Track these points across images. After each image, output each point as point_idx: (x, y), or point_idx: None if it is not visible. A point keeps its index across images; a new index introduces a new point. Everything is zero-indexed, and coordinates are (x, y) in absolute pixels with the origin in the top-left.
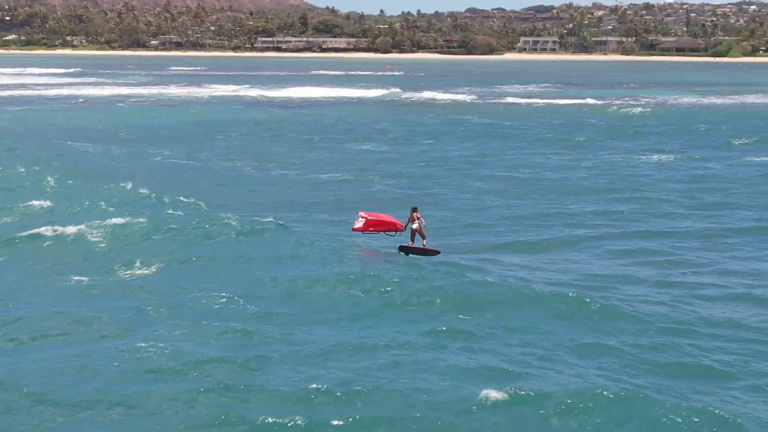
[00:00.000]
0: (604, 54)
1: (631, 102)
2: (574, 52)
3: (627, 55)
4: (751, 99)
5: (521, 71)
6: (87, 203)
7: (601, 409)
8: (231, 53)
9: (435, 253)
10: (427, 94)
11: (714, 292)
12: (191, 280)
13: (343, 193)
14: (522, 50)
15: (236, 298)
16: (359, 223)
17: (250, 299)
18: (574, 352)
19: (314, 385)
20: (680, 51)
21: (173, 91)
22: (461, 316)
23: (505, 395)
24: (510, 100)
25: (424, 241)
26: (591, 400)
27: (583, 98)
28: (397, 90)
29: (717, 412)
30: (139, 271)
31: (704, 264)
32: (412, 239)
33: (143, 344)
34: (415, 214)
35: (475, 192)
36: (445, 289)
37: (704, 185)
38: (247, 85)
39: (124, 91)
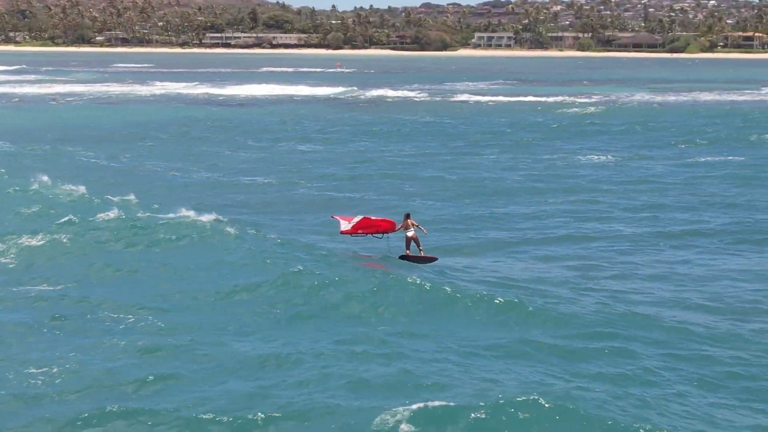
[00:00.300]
0: (560, 50)
1: (583, 100)
2: (529, 48)
3: (583, 51)
4: (704, 97)
5: (474, 68)
6: None
7: (519, 418)
8: (179, 49)
9: (432, 260)
10: (375, 92)
11: (639, 297)
12: (103, 292)
13: (266, 196)
14: (477, 46)
15: (151, 309)
16: (346, 226)
17: (167, 310)
18: (496, 358)
19: (212, 410)
20: (637, 47)
21: (115, 88)
22: (381, 326)
23: (421, 407)
24: (460, 98)
25: (420, 249)
26: (511, 408)
27: (536, 96)
28: (345, 88)
29: (639, 416)
30: (45, 285)
31: (631, 267)
32: (408, 246)
33: (34, 366)
34: (409, 220)
35: (403, 194)
36: (366, 295)
37: (642, 186)
38: (194, 83)
39: (65, 89)
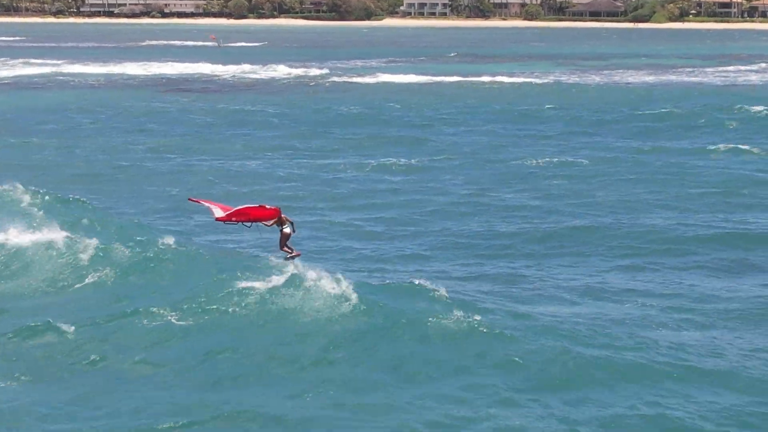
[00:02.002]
0: (504, 19)
1: (498, 82)
2: (468, 17)
3: (531, 20)
4: (671, 77)
5: (393, 41)
6: None
7: None
8: (52, 19)
9: (297, 255)
10: (243, 69)
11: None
12: None
13: None
14: (406, 14)
15: None
16: (220, 213)
17: None
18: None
19: None
20: (595, 15)
21: None
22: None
23: None
24: (344, 79)
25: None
26: None
27: (448, 75)
28: (201, 65)
29: None
30: None
31: (503, 270)
32: (284, 243)
33: None
34: (283, 216)
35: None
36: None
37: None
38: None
39: None
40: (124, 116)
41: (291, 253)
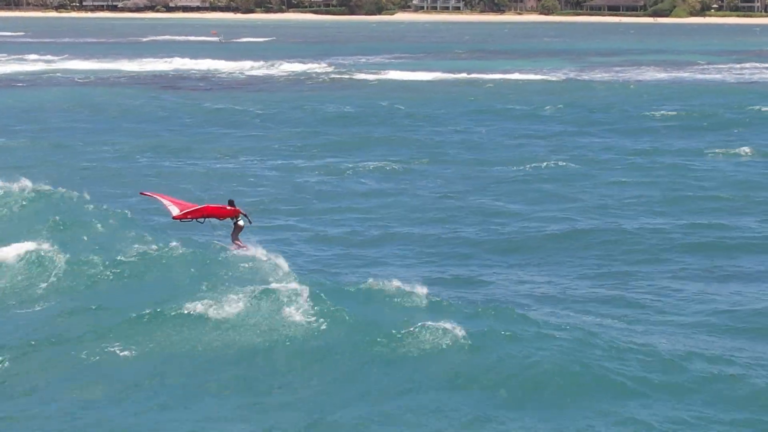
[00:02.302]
0: (519, 13)
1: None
2: (482, 11)
3: (547, 14)
4: (684, 74)
5: (403, 36)
6: None
7: None
8: (54, 13)
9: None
10: (242, 66)
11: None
12: None
13: None
14: (419, 9)
15: None
16: (176, 210)
17: None
18: None
19: None
20: (613, 9)
21: None
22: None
23: None
24: (346, 76)
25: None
26: None
27: (454, 72)
28: (200, 62)
29: None
30: None
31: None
32: (236, 236)
33: None
34: (237, 207)
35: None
36: None
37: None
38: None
39: None
40: (103, 115)
41: (240, 246)
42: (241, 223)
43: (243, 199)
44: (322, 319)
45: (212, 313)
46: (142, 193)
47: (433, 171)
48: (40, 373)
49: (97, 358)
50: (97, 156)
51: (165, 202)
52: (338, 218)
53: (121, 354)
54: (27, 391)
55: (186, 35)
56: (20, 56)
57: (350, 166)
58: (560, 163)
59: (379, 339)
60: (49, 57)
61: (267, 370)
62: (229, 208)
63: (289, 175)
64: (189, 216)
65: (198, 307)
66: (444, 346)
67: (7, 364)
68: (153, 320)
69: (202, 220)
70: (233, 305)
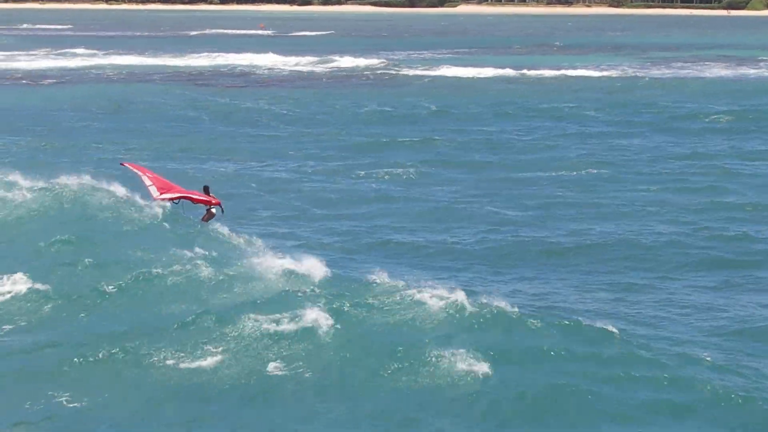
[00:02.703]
0: (588, 6)
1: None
2: (549, 4)
3: (617, 6)
4: (749, 71)
5: (464, 30)
6: None
7: None
8: (103, 5)
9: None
10: (286, 62)
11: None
12: None
13: None
14: (482, 1)
15: None
16: (156, 192)
17: None
18: None
19: None
20: (687, 1)
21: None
22: None
23: None
24: (400, 73)
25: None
26: None
27: (509, 68)
28: (244, 56)
29: None
30: None
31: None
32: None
33: None
34: (210, 195)
35: None
36: None
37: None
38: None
39: None
40: (125, 114)
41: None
42: (213, 211)
43: (251, 202)
44: (334, 329)
45: (224, 327)
46: (122, 164)
47: (455, 175)
48: None
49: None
50: (103, 156)
51: (146, 179)
52: (353, 224)
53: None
54: None
55: (235, 29)
56: (62, 50)
57: (370, 169)
58: (590, 168)
59: (397, 349)
60: (90, 51)
61: (273, 389)
62: (204, 196)
63: (303, 178)
64: (168, 200)
65: (207, 322)
66: (461, 366)
67: None
68: (161, 335)
69: (177, 201)
70: (248, 317)
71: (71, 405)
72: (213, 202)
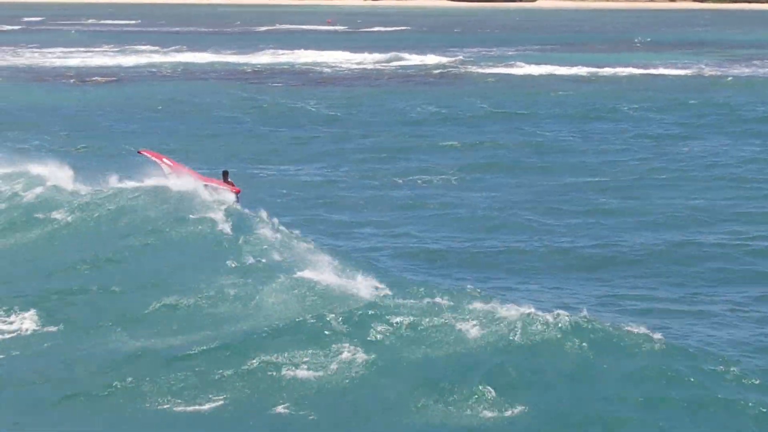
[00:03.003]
0: (672, 0)
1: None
2: None
3: (703, 1)
4: None
5: (542, 25)
6: None
7: None
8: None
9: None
10: (349, 58)
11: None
12: None
13: None
14: None
15: None
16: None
17: None
18: None
19: None
20: None
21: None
22: None
23: None
24: (466, 70)
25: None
26: None
27: (578, 66)
28: (307, 53)
29: None
30: None
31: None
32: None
33: None
34: (229, 181)
35: None
36: None
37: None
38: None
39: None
40: (165, 113)
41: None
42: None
43: (282, 208)
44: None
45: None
46: (140, 152)
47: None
48: None
49: None
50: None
51: (164, 168)
52: (388, 231)
53: None
54: None
55: (304, 24)
56: (122, 47)
57: (406, 175)
58: (641, 173)
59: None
60: (152, 48)
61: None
62: (223, 184)
63: (338, 182)
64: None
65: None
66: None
67: None
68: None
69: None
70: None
71: None
72: (232, 190)
